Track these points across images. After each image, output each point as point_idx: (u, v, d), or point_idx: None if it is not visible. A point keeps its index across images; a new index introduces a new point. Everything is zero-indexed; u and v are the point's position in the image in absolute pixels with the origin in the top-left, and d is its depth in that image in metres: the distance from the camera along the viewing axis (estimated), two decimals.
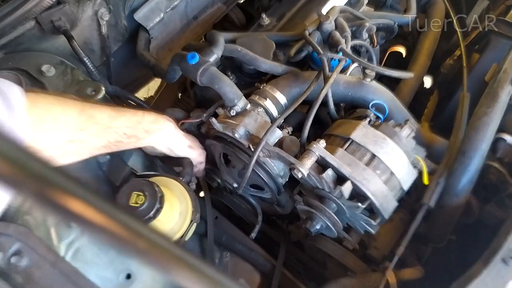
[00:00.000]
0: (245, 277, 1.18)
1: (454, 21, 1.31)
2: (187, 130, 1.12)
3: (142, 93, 1.98)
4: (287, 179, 1.05)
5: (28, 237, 0.76)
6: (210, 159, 1.24)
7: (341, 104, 1.14)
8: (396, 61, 1.43)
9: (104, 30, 1.10)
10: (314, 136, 1.00)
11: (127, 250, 0.15)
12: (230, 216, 1.28)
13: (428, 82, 1.63)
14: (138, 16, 1.36)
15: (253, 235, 1.12)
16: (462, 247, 1.15)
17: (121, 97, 1.23)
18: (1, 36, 0.92)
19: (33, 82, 0.89)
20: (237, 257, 1.21)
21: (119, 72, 1.42)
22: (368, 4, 1.36)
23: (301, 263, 1.33)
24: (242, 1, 1.80)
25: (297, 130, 1.04)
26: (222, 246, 1.21)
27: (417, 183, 1.10)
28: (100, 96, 0.89)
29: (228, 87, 0.97)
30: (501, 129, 1.03)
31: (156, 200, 0.81)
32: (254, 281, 1.18)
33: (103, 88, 0.90)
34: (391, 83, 1.21)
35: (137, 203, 0.81)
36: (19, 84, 0.88)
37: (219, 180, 1.21)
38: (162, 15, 1.43)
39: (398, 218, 1.14)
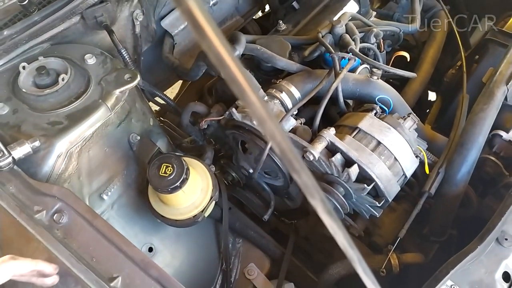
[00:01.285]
0: (256, 262, 1.25)
1: (456, 31, 1.42)
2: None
3: None
4: None
5: (69, 198, 0.85)
6: (226, 152, 1.34)
7: (349, 102, 1.24)
8: (401, 69, 1.54)
9: (137, 30, 1.22)
10: None
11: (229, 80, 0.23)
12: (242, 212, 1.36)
13: (432, 97, 1.74)
14: (165, 23, 1.49)
15: (266, 217, 1.20)
16: (463, 242, 1.22)
17: (147, 92, 1.34)
18: (51, 28, 1.05)
19: (77, 68, 1.01)
20: (249, 243, 1.29)
21: (143, 74, 1.54)
22: (376, 16, 1.49)
23: (308, 257, 1.39)
24: (258, 16, 1.94)
25: (309, 125, 1.14)
26: (235, 232, 1.29)
27: (420, 178, 1.19)
28: (135, 82, 1.00)
29: None
30: (497, 126, 1.12)
31: (183, 171, 0.91)
32: (264, 266, 1.26)
33: (139, 75, 1.01)
34: (396, 89, 1.31)
35: (166, 173, 0.90)
36: (64, 69, 1.00)
37: (233, 174, 1.30)
38: (186, 23, 1.56)
39: (401, 209, 1.22)
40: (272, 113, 0.28)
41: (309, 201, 0.34)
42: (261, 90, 1.11)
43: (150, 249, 1.08)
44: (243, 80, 0.25)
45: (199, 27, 0.23)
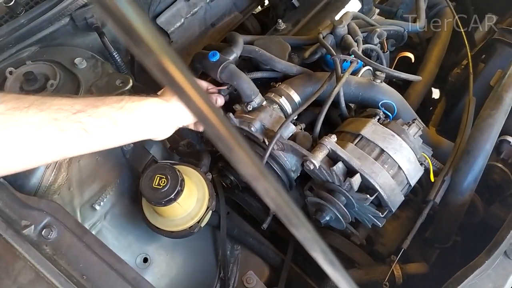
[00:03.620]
0: (255, 269, 1.22)
1: (463, 32, 1.37)
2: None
3: None
4: (298, 174, 1.10)
5: (57, 212, 0.82)
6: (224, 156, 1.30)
7: (351, 106, 1.20)
8: (405, 69, 1.49)
9: None
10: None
11: (203, 120, 0.19)
12: (240, 216, 1.33)
13: (436, 94, 1.69)
14: (160, 20, 1.44)
15: (265, 225, 1.17)
16: (467, 248, 1.19)
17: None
18: (39, 31, 1.00)
19: (66, 73, 0.97)
20: (248, 250, 1.25)
21: (138, 75, 1.49)
22: (379, 14, 1.43)
23: (308, 262, 1.36)
24: (258, 11, 1.89)
25: (309, 129, 1.10)
26: (233, 239, 1.26)
27: (424, 184, 1.15)
28: (128, 87, 0.96)
29: (245, 83, 1.04)
30: (505, 132, 1.08)
31: (177, 183, 0.87)
32: (263, 274, 1.23)
33: (131, 80, 0.97)
34: (400, 90, 1.26)
35: (159, 185, 0.86)
36: (53, 74, 0.96)
37: (232, 178, 1.26)
38: (182, 20, 1.51)
39: (405, 216, 1.18)
40: (263, 168, 0.24)
41: (310, 253, 0.30)
42: (260, 94, 1.06)
43: (145, 260, 1.05)
44: (229, 137, 0.21)
45: (174, 82, 0.18)
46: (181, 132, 1.31)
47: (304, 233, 0.28)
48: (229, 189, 1.31)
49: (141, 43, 0.17)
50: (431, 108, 1.60)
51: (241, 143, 0.21)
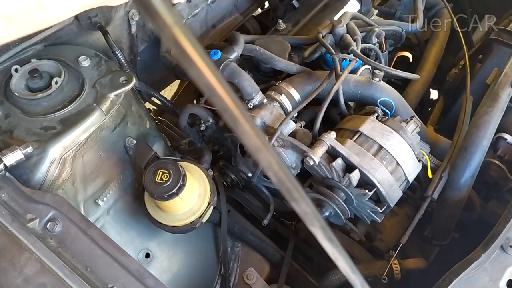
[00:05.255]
0: (255, 266, 1.24)
1: (460, 32, 1.39)
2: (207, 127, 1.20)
3: None
4: (298, 171, 1.12)
5: (62, 206, 0.83)
6: (225, 153, 1.31)
7: (351, 104, 1.21)
8: (403, 69, 1.51)
9: (133, 29, 1.19)
10: None
11: (213, 97, 0.21)
12: (241, 214, 1.35)
13: (434, 95, 1.71)
14: None
15: (265, 221, 1.19)
16: (465, 245, 1.20)
17: (144, 93, 1.32)
18: (44, 29, 1.02)
19: (71, 71, 0.99)
20: (248, 247, 1.27)
21: (140, 74, 1.51)
22: (377, 14, 1.46)
23: (308, 260, 1.37)
24: (258, 13, 1.91)
25: (309, 127, 1.11)
26: (234, 236, 1.27)
27: (422, 181, 1.16)
28: (131, 85, 0.97)
29: (246, 81, 1.06)
30: (502, 129, 1.10)
31: (180, 178, 0.89)
32: (263, 270, 1.24)
33: (135, 77, 0.98)
34: (398, 89, 1.28)
35: (162, 180, 0.88)
36: (58, 72, 0.98)
37: (232, 176, 1.28)
38: (183, 21, 1.53)
39: (403, 213, 1.20)
40: (267, 141, 0.26)
41: (309, 228, 0.31)
42: (260, 92, 1.08)
43: (147, 255, 1.07)
44: (235, 109, 0.23)
45: (186, 54, 0.20)
46: (182, 132, 1.34)
47: (304, 208, 0.29)
48: (230, 188, 1.32)
49: (157, 18, 0.19)
50: (429, 109, 1.62)
51: (246, 116, 0.23)
